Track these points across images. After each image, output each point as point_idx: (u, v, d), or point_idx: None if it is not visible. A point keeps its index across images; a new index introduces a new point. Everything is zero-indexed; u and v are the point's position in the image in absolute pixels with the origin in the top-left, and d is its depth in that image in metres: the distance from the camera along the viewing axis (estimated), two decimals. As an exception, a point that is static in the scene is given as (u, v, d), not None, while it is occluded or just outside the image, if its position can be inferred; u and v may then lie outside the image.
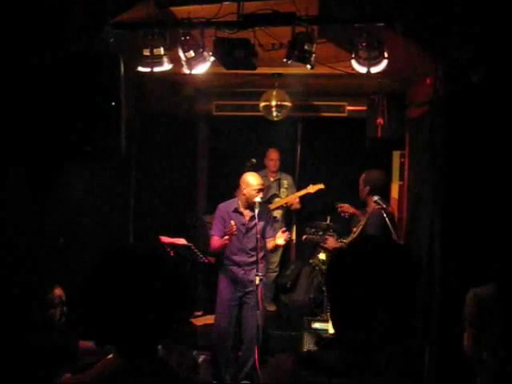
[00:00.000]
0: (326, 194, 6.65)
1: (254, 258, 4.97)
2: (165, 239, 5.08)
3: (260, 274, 4.70)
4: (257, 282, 4.63)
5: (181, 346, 5.27)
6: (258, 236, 4.75)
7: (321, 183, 6.48)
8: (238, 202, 5.04)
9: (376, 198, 4.86)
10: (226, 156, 7.22)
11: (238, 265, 5.02)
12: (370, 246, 1.54)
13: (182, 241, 5.08)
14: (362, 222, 5.13)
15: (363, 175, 5.16)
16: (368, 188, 5.04)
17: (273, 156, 6.79)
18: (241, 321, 5.12)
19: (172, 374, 1.57)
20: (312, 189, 6.48)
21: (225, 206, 5.07)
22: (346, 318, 1.47)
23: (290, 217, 7.25)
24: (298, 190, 6.79)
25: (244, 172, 5.41)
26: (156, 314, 1.52)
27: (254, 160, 6.10)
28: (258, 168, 6.54)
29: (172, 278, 1.58)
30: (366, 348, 1.42)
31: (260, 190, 4.94)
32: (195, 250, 5.04)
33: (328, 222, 6.04)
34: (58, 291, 3.47)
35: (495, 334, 2.90)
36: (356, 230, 5.31)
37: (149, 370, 1.51)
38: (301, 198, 6.60)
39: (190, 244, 5.06)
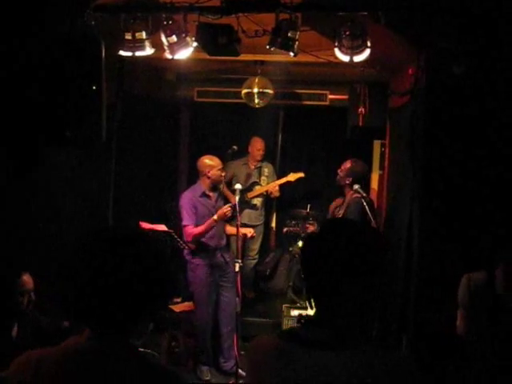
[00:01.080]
0: (306, 182, 6.67)
1: (225, 240, 5.14)
2: (145, 225, 5.05)
3: (240, 260, 4.71)
4: (236, 269, 4.64)
5: (173, 331, 5.31)
6: (239, 223, 4.76)
7: (301, 172, 6.49)
8: (202, 187, 5.03)
9: (356, 186, 4.90)
10: (208, 142, 7.18)
11: (215, 249, 5.05)
12: (337, 227, 1.63)
13: (162, 227, 5.07)
14: (342, 211, 5.16)
15: (348, 165, 5.13)
16: (351, 179, 5.06)
17: (259, 146, 6.74)
18: (218, 305, 5.15)
19: (141, 360, 1.54)
20: (292, 177, 6.48)
21: (191, 194, 5.06)
22: (321, 297, 1.55)
23: (271, 204, 7.26)
24: (279, 178, 6.79)
25: (225, 159, 5.43)
26: (134, 295, 1.51)
27: (235, 147, 6.08)
28: (239, 155, 6.53)
29: (153, 260, 1.57)
30: (340, 324, 1.50)
31: (222, 169, 5.05)
32: (175, 237, 5.02)
33: (308, 210, 6.06)
34: (27, 278, 3.40)
35: (484, 316, 2.98)
36: (336, 219, 5.35)
37: (117, 354, 1.50)
38: (281, 185, 6.61)
39: (170, 230, 5.05)
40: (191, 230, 4.95)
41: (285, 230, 5.97)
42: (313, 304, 1.56)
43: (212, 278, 5.07)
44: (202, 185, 5.04)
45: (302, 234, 5.65)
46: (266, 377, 1.50)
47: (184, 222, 4.99)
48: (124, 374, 1.47)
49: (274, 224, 7.55)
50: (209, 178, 4.98)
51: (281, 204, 7.33)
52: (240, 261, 4.69)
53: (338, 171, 5.21)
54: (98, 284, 1.49)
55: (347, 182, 5.07)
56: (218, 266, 5.08)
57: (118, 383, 1.46)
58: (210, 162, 5.01)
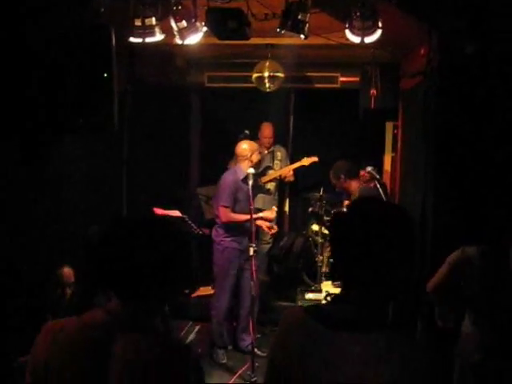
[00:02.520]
0: (319, 166, 6.66)
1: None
2: (159, 211, 5.08)
3: (254, 244, 4.72)
4: (251, 253, 4.66)
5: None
6: (252, 207, 4.77)
7: (315, 155, 6.47)
8: (243, 171, 5.05)
9: (369, 168, 4.92)
10: (219, 127, 7.18)
11: (245, 233, 5.05)
12: (368, 205, 1.62)
13: (176, 213, 5.09)
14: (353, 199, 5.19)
15: (331, 173, 5.50)
16: (343, 176, 5.29)
17: (267, 133, 6.74)
18: (240, 288, 5.20)
19: (157, 334, 1.60)
20: (306, 161, 6.47)
21: (233, 176, 5.10)
22: (350, 277, 1.55)
23: (284, 189, 7.26)
24: (292, 161, 6.78)
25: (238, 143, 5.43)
26: (159, 277, 1.56)
27: (247, 131, 6.07)
28: (251, 139, 6.51)
29: (181, 244, 1.63)
30: (368, 304, 1.50)
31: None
32: (189, 222, 5.05)
33: (321, 193, 6.06)
34: (67, 271, 3.43)
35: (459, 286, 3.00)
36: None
37: (133, 327, 1.55)
38: (294, 170, 6.60)
39: (184, 216, 5.07)
40: (229, 213, 5.01)
41: (310, 209, 6.06)
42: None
43: (237, 262, 5.11)
44: (244, 168, 5.06)
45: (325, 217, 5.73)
46: (290, 348, 1.52)
47: (223, 203, 5.02)
48: (140, 346, 1.52)
49: (287, 208, 7.56)
50: (251, 161, 5.06)
51: (294, 188, 7.33)
52: (254, 245, 4.71)
53: (332, 181, 5.53)
54: (125, 265, 1.54)
55: (343, 180, 5.40)
56: (244, 249, 5.10)
57: (134, 354, 1.51)
58: (250, 147, 5.14)
